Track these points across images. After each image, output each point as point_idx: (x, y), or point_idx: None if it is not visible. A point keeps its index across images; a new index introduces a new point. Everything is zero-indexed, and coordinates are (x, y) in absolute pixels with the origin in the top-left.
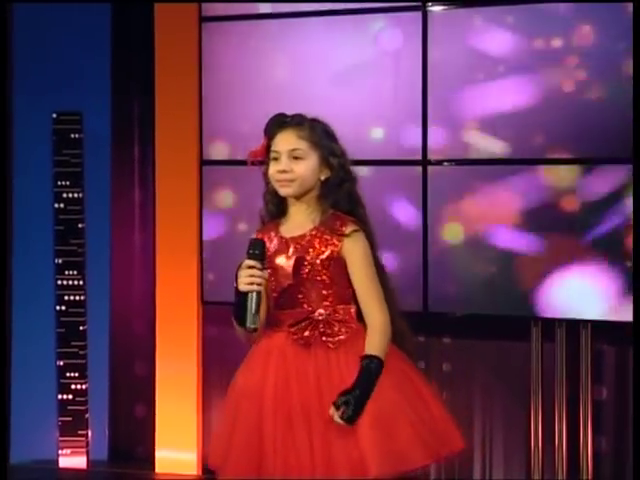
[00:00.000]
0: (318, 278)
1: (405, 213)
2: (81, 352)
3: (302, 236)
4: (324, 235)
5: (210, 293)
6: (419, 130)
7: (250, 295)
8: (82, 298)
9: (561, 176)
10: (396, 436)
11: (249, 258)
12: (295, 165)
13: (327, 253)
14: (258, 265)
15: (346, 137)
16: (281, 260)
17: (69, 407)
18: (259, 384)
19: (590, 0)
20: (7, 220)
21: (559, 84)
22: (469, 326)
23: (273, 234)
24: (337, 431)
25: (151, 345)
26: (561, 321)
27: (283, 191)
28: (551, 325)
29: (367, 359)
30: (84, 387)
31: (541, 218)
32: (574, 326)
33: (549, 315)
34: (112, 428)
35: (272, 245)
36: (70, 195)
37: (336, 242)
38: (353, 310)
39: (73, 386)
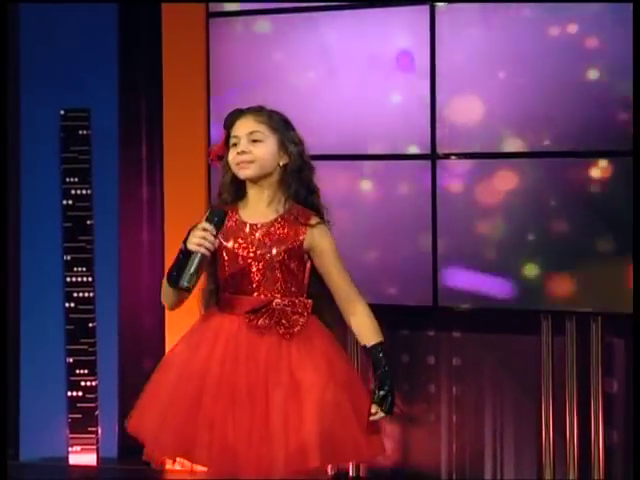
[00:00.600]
0: (280, 267)
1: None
2: (90, 349)
3: (266, 224)
4: (289, 225)
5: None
6: (428, 124)
7: (194, 255)
8: (91, 295)
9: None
10: (336, 433)
11: (207, 222)
12: (254, 147)
13: (291, 243)
14: (213, 231)
15: (350, 132)
16: (240, 243)
17: (79, 404)
18: (204, 363)
19: (590, 0)
20: (16, 217)
21: (568, 77)
22: (479, 320)
23: (236, 218)
24: (279, 419)
25: (160, 341)
26: (571, 314)
27: (242, 173)
28: (561, 318)
29: (374, 349)
30: (94, 384)
31: (556, 208)
32: (584, 319)
33: (559, 308)
34: (122, 425)
35: (235, 230)
36: (78, 192)
37: (301, 233)
38: (310, 303)
39: (83, 383)
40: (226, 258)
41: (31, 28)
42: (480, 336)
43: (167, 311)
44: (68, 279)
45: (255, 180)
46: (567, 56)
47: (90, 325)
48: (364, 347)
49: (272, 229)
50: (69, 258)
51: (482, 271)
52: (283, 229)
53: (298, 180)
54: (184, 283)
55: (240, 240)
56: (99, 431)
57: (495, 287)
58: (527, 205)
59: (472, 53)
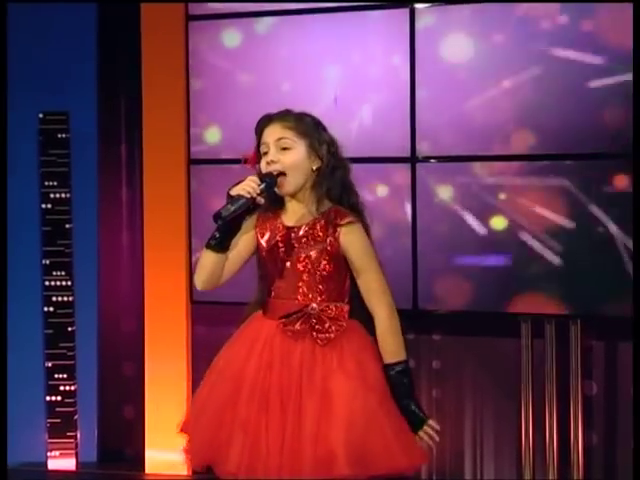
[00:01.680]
0: (316, 271)
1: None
2: (69, 353)
3: (302, 226)
4: (322, 227)
5: (199, 292)
6: (407, 127)
7: (236, 198)
8: (70, 299)
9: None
10: (367, 442)
11: (260, 179)
12: (283, 156)
13: (325, 246)
14: (260, 186)
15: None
16: (282, 249)
17: (58, 409)
18: (240, 367)
19: (590, 0)
20: None
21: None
22: (459, 323)
23: (276, 222)
24: (310, 425)
25: (140, 345)
26: (550, 317)
27: (282, 190)
28: (541, 321)
29: (390, 369)
30: (73, 388)
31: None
32: (564, 322)
33: (538, 311)
34: (101, 429)
35: (275, 233)
36: (57, 195)
37: (334, 235)
38: (346, 309)
39: (62, 387)
40: (266, 262)
41: (8, 30)
42: (460, 339)
43: (147, 315)
44: (47, 283)
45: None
46: (554, 56)
47: (69, 329)
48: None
49: (309, 231)
50: (48, 262)
51: (462, 274)
52: (319, 231)
53: (331, 180)
54: (222, 212)
55: (279, 244)
56: (78, 436)
57: (475, 290)
58: (510, 208)
59: (453, 56)
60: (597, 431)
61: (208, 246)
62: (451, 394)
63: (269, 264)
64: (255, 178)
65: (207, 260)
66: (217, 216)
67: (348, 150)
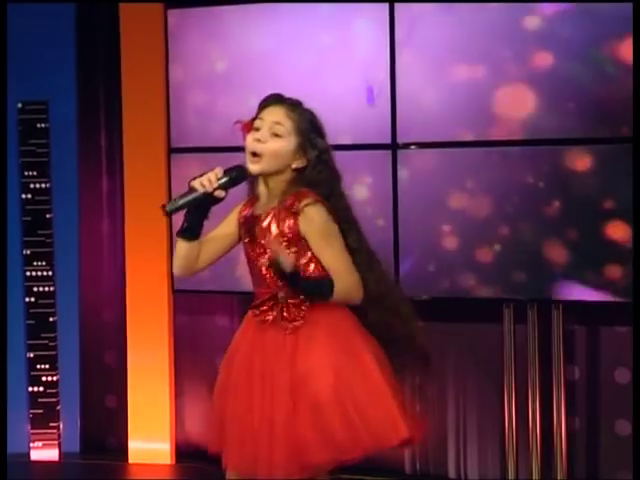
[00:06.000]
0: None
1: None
2: (51, 344)
3: (264, 215)
4: (282, 214)
5: (180, 281)
6: (388, 114)
7: (187, 192)
8: (51, 289)
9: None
10: (329, 424)
11: (224, 173)
12: (271, 140)
13: (284, 232)
14: (222, 179)
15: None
16: (250, 236)
17: (40, 399)
18: (233, 363)
19: (590, 0)
20: None
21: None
22: (441, 309)
23: (250, 210)
24: (282, 414)
25: (122, 335)
26: (532, 302)
27: (250, 167)
28: (523, 306)
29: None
30: (55, 379)
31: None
32: (546, 307)
33: (520, 296)
34: (84, 419)
35: (248, 221)
36: (37, 186)
37: (293, 220)
38: None
39: (44, 378)
40: (245, 250)
41: None
42: (442, 325)
43: (128, 304)
44: (28, 273)
45: (265, 177)
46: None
47: (51, 319)
48: None
49: (272, 219)
50: (29, 252)
51: (444, 260)
52: (278, 219)
53: (314, 185)
54: (167, 206)
55: (248, 232)
56: (61, 426)
57: (457, 276)
58: (495, 194)
59: (433, 43)
60: (580, 416)
61: (179, 235)
62: (434, 380)
63: (246, 252)
64: (219, 171)
65: (180, 248)
66: (164, 208)
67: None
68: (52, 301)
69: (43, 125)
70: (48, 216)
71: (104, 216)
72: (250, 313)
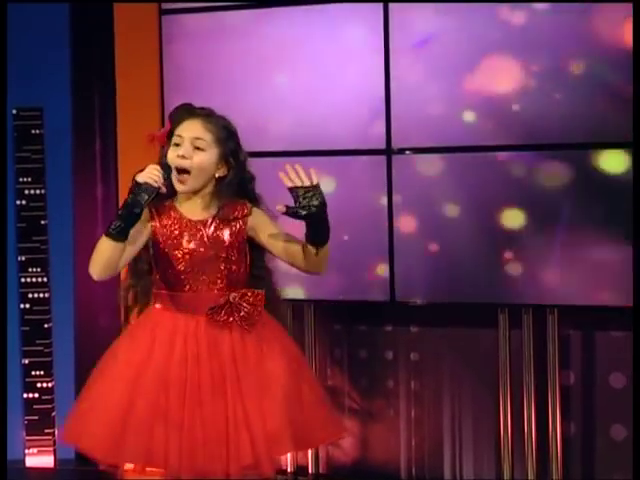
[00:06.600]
0: (225, 262)
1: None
2: (46, 350)
3: (207, 220)
4: (229, 219)
5: None
6: (382, 119)
7: (145, 187)
8: (46, 295)
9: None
10: (302, 417)
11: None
12: (195, 154)
13: (235, 235)
14: (164, 175)
15: (305, 127)
16: (192, 242)
17: (35, 406)
18: (163, 364)
19: (590, 0)
20: None
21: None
22: (436, 314)
23: (173, 214)
24: (254, 408)
25: None
26: (527, 307)
27: (178, 187)
28: (518, 311)
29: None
30: (50, 385)
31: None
32: (541, 312)
33: (515, 301)
34: None
35: (177, 225)
36: (32, 192)
37: (241, 223)
38: (262, 293)
39: (39, 385)
40: (166, 255)
41: None
42: (438, 330)
43: (123, 311)
44: (23, 280)
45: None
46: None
47: (46, 326)
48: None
49: (216, 224)
50: (24, 259)
51: (439, 266)
52: (226, 224)
53: (234, 192)
54: (138, 199)
55: (183, 236)
56: (56, 433)
57: (451, 281)
58: (492, 198)
59: (428, 46)
60: (575, 420)
61: (108, 234)
62: (429, 386)
63: (170, 256)
64: (158, 167)
65: (105, 249)
66: (133, 205)
67: (320, 143)
68: (47, 307)
69: (38, 131)
70: (43, 222)
71: (99, 222)
72: (156, 307)
